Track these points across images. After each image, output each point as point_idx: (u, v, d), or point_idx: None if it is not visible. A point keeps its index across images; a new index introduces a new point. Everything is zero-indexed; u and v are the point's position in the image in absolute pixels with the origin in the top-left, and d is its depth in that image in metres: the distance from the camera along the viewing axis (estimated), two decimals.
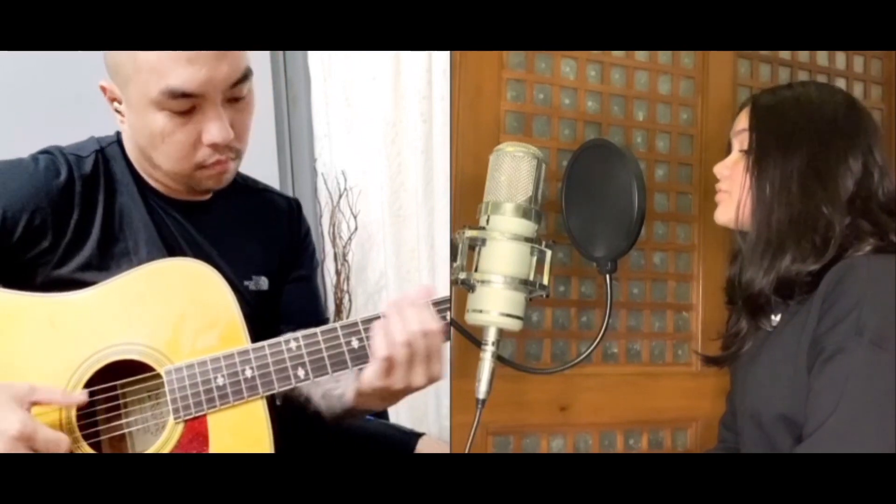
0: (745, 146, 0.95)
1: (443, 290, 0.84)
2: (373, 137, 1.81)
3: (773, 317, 0.95)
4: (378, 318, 0.83)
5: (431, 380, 0.83)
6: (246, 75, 0.87)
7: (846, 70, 1.42)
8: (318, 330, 0.84)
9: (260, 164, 1.65)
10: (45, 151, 0.90)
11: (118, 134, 0.95)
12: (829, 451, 0.77)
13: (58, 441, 0.76)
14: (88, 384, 0.84)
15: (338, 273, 1.84)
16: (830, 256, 0.86)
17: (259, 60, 1.72)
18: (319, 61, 1.81)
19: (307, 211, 1.82)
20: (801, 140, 0.91)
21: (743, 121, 0.97)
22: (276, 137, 1.79)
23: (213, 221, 0.97)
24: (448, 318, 0.85)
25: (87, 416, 0.85)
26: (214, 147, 0.87)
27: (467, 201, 1.10)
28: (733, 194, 0.96)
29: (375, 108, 1.80)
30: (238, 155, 0.92)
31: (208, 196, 0.98)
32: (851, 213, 0.88)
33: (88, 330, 0.85)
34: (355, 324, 0.84)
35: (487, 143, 1.08)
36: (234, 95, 0.88)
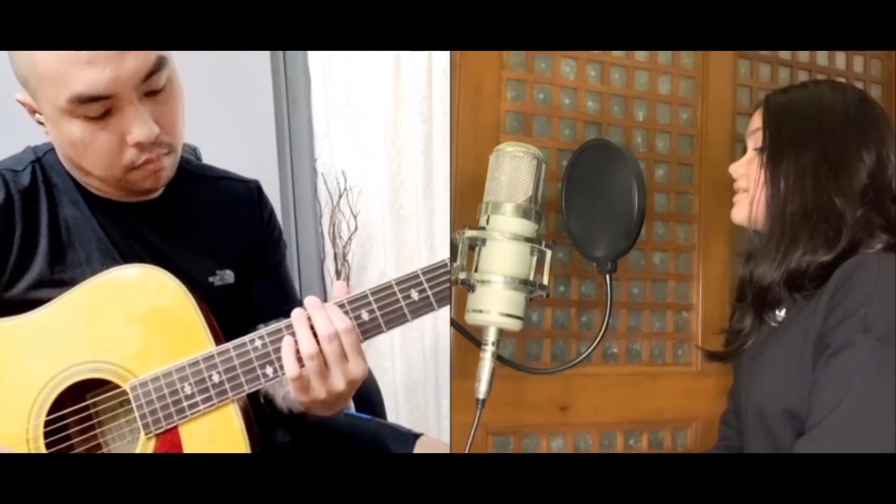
0: (760, 145, 0.95)
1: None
2: (373, 137, 1.81)
3: (778, 312, 0.95)
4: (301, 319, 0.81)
5: (352, 380, 0.81)
6: (159, 65, 0.82)
7: (846, 70, 1.42)
8: (282, 325, 0.83)
9: (260, 164, 1.65)
10: None
11: None
12: (830, 445, 0.77)
13: None
14: (54, 406, 0.82)
15: (338, 273, 1.84)
16: (842, 248, 0.86)
17: (259, 60, 1.73)
18: (319, 61, 1.81)
19: (307, 211, 1.83)
20: (814, 135, 0.91)
21: (756, 120, 0.97)
22: (276, 137, 1.79)
23: (166, 219, 0.93)
24: (417, 318, 0.84)
25: (61, 441, 0.83)
26: (140, 147, 0.83)
27: (467, 201, 1.10)
28: (749, 192, 0.96)
29: (375, 108, 1.80)
30: (171, 149, 0.87)
31: (157, 194, 0.93)
32: (864, 205, 0.88)
33: (46, 352, 0.83)
34: (365, 295, 0.83)
35: (487, 143, 1.08)
36: (151, 88, 0.82)
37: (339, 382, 0.81)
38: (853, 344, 0.79)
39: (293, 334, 0.81)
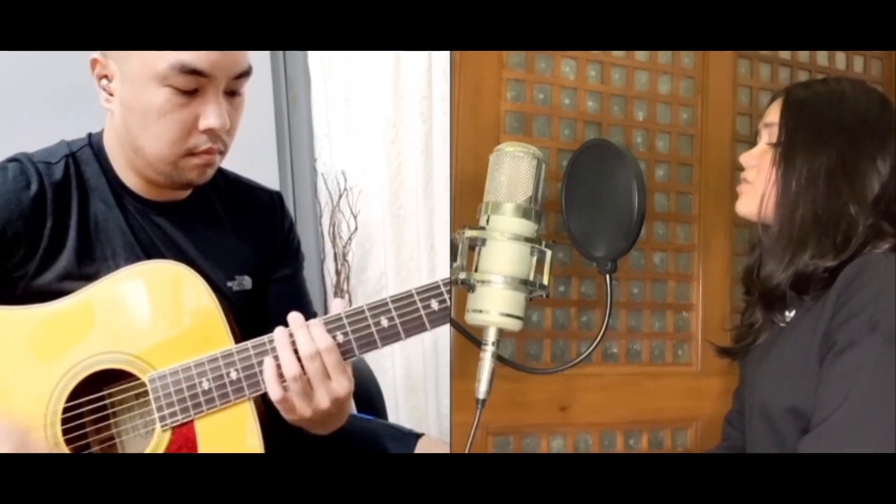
0: (774, 139, 0.94)
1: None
2: (373, 137, 1.81)
3: (787, 312, 0.95)
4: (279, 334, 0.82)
5: (336, 399, 0.82)
6: (248, 71, 0.88)
7: (846, 70, 1.42)
8: (265, 339, 0.83)
9: (260, 164, 1.65)
10: (13, 160, 0.88)
11: (89, 136, 0.93)
12: (835, 443, 0.78)
13: None
14: (72, 395, 0.83)
15: (338, 273, 1.84)
16: (849, 254, 0.86)
17: (259, 60, 1.72)
18: (319, 61, 1.81)
19: (307, 211, 1.83)
20: (831, 137, 0.90)
21: (773, 113, 0.96)
22: (276, 137, 1.79)
23: (191, 221, 0.95)
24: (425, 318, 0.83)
25: (76, 429, 0.84)
26: (210, 133, 0.86)
27: (467, 201, 1.10)
28: (757, 186, 0.95)
29: (375, 108, 1.80)
30: (224, 151, 0.90)
31: (185, 195, 0.95)
32: (875, 213, 0.88)
33: (68, 341, 0.84)
34: (339, 318, 0.83)
35: (487, 143, 1.08)
36: (235, 88, 0.88)
37: (323, 401, 0.81)
38: (859, 342, 0.79)
39: (276, 357, 0.82)
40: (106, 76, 0.87)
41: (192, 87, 0.83)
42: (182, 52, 0.81)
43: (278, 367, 0.81)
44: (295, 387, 0.80)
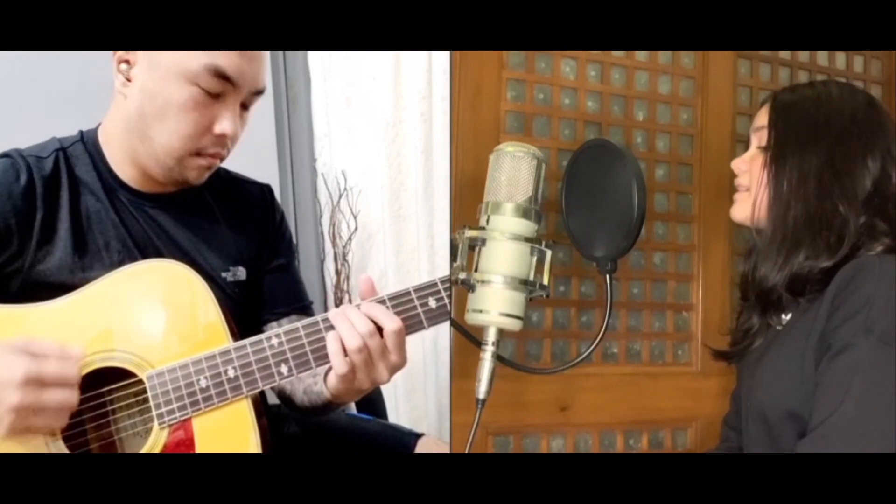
0: (764, 143, 0.95)
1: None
2: (373, 137, 1.81)
3: (783, 315, 0.95)
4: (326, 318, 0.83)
5: (394, 370, 0.83)
6: (264, 90, 0.92)
7: (846, 70, 1.42)
8: (299, 325, 0.84)
9: (260, 164, 1.65)
10: (3, 155, 0.89)
11: (81, 133, 0.94)
12: (832, 446, 0.78)
13: (66, 378, 0.76)
14: None
15: (338, 273, 1.84)
16: (843, 254, 0.87)
17: None
18: (319, 61, 1.81)
19: (307, 211, 1.83)
20: (820, 138, 0.91)
21: (762, 117, 0.97)
22: (276, 137, 1.79)
23: (184, 213, 0.96)
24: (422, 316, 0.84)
25: (75, 426, 0.84)
26: (221, 138, 0.89)
27: (467, 201, 1.10)
28: (751, 191, 0.96)
29: (375, 108, 1.80)
30: (225, 157, 0.93)
31: (177, 187, 0.96)
32: (867, 212, 0.88)
33: (68, 339, 0.83)
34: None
35: (487, 143, 1.08)
36: (248, 103, 0.91)
37: (382, 374, 0.83)
38: (854, 345, 0.80)
39: (331, 328, 0.82)
40: (127, 61, 0.88)
41: (217, 90, 0.86)
42: (217, 55, 0.84)
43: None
44: (358, 358, 0.81)
